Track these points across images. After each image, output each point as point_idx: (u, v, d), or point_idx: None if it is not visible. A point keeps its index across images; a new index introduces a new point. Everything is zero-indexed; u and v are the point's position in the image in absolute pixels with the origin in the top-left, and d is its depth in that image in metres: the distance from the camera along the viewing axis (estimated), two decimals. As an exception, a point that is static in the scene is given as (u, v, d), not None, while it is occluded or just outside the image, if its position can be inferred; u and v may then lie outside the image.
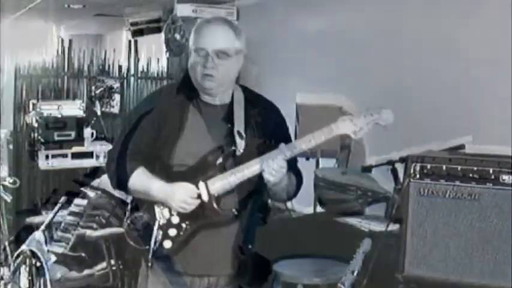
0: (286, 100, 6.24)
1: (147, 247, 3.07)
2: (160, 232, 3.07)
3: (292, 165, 3.13)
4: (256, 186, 3.11)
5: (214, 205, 3.04)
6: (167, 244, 3.07)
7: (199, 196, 3.03)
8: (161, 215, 3.10)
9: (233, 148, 3.09)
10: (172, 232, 3.08)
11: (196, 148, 3.11)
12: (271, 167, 2.93)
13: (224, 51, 3.07)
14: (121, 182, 3.17)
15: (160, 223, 3.09)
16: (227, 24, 3.12)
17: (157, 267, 3.19)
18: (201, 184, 3.04)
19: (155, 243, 3.06)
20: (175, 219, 3.07)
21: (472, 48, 4.70)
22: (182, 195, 3.02)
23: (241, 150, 3.08)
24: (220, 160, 3.08)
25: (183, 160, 3.12)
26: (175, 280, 3.21)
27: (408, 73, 5.26)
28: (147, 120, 3.18)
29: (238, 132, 3.12)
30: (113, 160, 3.20)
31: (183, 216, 3.07)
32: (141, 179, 3.11)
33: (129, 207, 3.27)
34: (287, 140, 3.18)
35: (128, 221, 3.12)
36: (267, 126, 3.18)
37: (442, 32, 4.92)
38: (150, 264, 3.09)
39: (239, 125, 3.15)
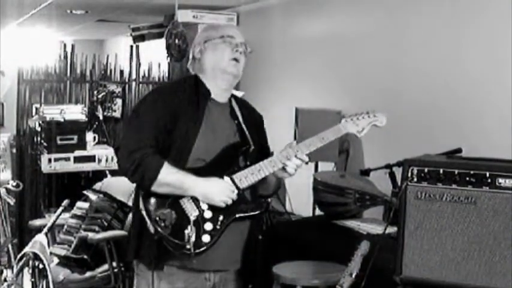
0: (285, 104, 6.26)
1: (185, 243, 3.02)
2: (195, 228, 3.02)
3: None
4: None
5: (247, 198, 3.18)
6: (206, 238, 3.05)
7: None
8: (192, 210, 3.08)
9: (249, 145, 3.24)
10: (208, 226, 3.07)
11: (212, 145, 3.18)
12: (295, 163, 3.13)
13: (246, 45, 3.30)
14: (148, 176, 3.06)
15: (194, 218, 3.05)
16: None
17: (169, 270, 3.18)
18: (227, 179, 3.12)
19: (193, 238, 3.00)
20: (208, 214, 3.08)
21: (472, 53, 4.70)
22: (227, 190, 3.09)
23: (253, 146, 3.24)
24: (241, 156, 3.22)
25: (200, 155, 3.16)
26: (190, 279, 3.21)
27: (407, 78, 5.26)
28: (164, 112, 3.17)
29: (246, 129, 3.28)
30: (134, 152, 3.09)
31: (216, 210, 3.09)
32: (173, 172, 3.07)
33: (141, 206, 3.14)
34: (266, 138, 3.46)
35: (157, 218, 3.04)
36: (254, 125, 3.37)
37: (442, 37, 4.92)
38: (194, 261, 3.04)
39: (242, 122, 3.31)
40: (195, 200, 3.08)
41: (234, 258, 3.27)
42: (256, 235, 3.33)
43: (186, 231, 3.00)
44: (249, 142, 3.23)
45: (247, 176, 3.13)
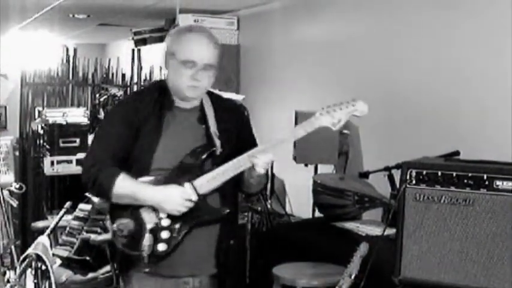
0: (285, 107, 6.27)
1: (141, 252, 3.06)
2: (151, 236, 3.04)
3: None
4: (234, 183, 3.15)
5: (205, 204, 3.08)
6: (162, 247, 3.06)
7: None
8: (149, 219, 3.08)
9: (213, 148, 3.12)
10: (165, 234, 3.07)
11: (174, 152, 3.13)
12: (264, 160, 2.99)
13: (212, 64, 3.14)
14: (103, 189, 3.10)
15: (151, 227, 3.07)
16: (210, 35, 3.18)
17: (146, 275, 3.18)
18: (187, 185, 3.05)
19: (149, 247, 3.04)
20: (165, 222, 3.07)
21: (471, 56, 4.71)
22: (178, 198, 3.02)
23: (220, 150, 3.12)
24: (201, 161, 3.11)
25: (161, 164, 3.13)
26: (165, 284, 3.21)
27: (406, 81, 5.26)
28: (125, 126, 3.18)
29: (215, 133, 3.15)
30: (92, 167, 3.14)
31: (173, 218, 3.07)
32: (128, 184, 3.08)
33: (108, 216, 3.21)
34: (252, 137, 3.32)
35: (115, 229, 3.09)
36: (234, 126, 3.26)
37: (442, 40, 4.93)
38: (147, 270, 3.07)
39: (213, 125, 3.19)
40: (155, 209, 3.08)
41: (205, 263, 3.20)
42: (228, 240, 3.23)
43: (143, 241, 3.03)
44: (215, 145, 3.14)
45: (209, 181, 3.05)
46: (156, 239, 3.05)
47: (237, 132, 3.25)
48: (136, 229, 3.08)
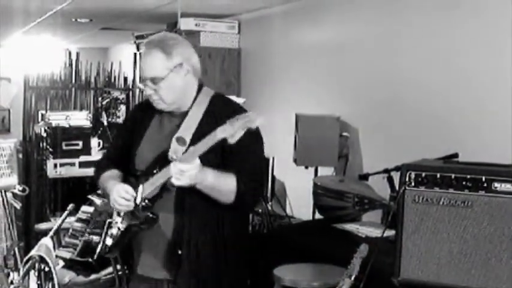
0: (285, 110, 6.26)
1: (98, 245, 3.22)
2: (106, 232, 3.22)
3: (236, 171, 3.08)
4: (196, 189, 3.03)
5: (139, 209, 3.09)
6: (108, 241, 3.18)
7: (135, 198, 3.09)
8: (114, 214, 3.20)
9: (166, 154, 3.07)
10: (114, 231, 3.17)
11: (149, 155, 3.18)
12: (175, 172, 2.91)
13: (156, 76, 3.10)
14: (97, 185, 3.45)
15: (110, 223, 3.21)
16: (155, 47, 3.12)
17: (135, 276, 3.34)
18: (140, 187, 3.09)
19: (102, 242, 3.22)
20: (118, 219, 3.17)
21: (469, 59, 4.71)
22: (114, 194, 3.11)
23: (174, 156, 3.03)
24: (157, 167, 3.10)
25: (140, 166, 3.21)
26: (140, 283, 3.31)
27: (405, 85, 5.26)
28: (121, 130, 3.48)
29: (178, 138, 3.10)
30: (96, 167, 3.50)
31: (123, 217, 3.15)
32: (104, 181, 3.30)
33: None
34: (242, 146, 2.99)
35: (98, 218, 3.33)
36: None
37: (440, 44, 4.93)
38: (94, 262, 3.27)
39: (185, 131, 3.12)
40: None
41: (161, 267, 3.18)
42: (176, 248, 3.12)
43: (103, 234, 3.24)
44: (167, 151, 3.07)
45: (149, 186, 3.07)
46: (107, 234, 3.20)
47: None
48: (103, 222, 3.33)
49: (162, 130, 3.25)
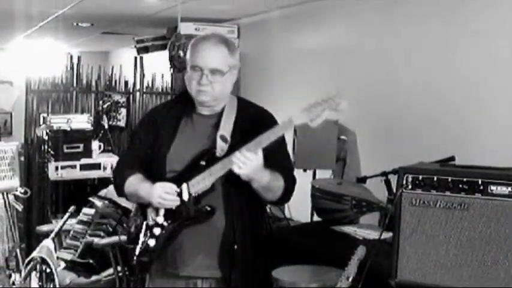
0: (284, 113, 6.26)
1: (136, 246, 3.18)
2: (148, 232, 3.16)
3: (280, 168, 3.15)
4: (241, 186, 3.06)
5: (190, 203, 3.10)
6: (151, 242, 3.14)
7: (179, 195, 3.09)
8: (151, 216, 3.17)
9: (214, 150, 3.12)
10: (157, 231, 3.14)
11: (185, 155, 3.18)
12: (239, 159, 2.93)
13: (218, 69, 3.15)
14: (119, 189, 3.31)
15: (149, 224, 3.17)
16: (222, 43, 3.18)
17: (154, 269, 3.30)
18: (184, 185, 3.10)
19: (142, 242, 3.15)
20: (160, 219, 3.14)
21: (465, 65, 4.72)
22: (158, 191, 3.08)
23: (222, 153, 3.10)
24: (203, 163, 3.12)
25: (173, 167, 3.20)
26: (170, 283, 3.27)
27: (403, 89, 5.27)
28: (145, 131, 3.35)
29: (221, 136, 3.15)
30: (116, 170, 3.41)
31: (166, 216, 3.13)
32: (133, 183, 3.22)
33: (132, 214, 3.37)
34: (279, 143, 3.16)
35: (124, 225, 3.24)
36: (258, 132, 3.09)
37: (438, 48, 4.94)
38: (134, 261, 3.18)
39: (225, 130, 3.18)
40: (156, 208, 3.17)
41: (208, 265, 3.19)
42: (229, 245, 3.16)
43: (140, 236, 3.17)
44: (215, 148, 3.13)
45: (199, 182, 3.08)
46: (150, 235, 3.15)
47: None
48: (140, 225, 3.21)
49: (195, 130, 3.27)
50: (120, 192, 3.32)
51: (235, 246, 3.15)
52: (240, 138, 3.12)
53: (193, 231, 3.14)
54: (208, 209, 3.10)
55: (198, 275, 3.21)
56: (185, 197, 3.09)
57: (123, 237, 5.09)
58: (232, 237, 3.15)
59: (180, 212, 3.10)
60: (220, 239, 3.17)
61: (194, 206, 3.10)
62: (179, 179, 3.13)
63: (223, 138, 3.14)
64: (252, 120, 3.25)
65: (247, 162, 2.92)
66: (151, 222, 3.16)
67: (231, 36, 7.70)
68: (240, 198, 3.17)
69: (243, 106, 3.34)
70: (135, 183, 3.21)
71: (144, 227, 3.18)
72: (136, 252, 3.16)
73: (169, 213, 3.12)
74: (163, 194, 3.08)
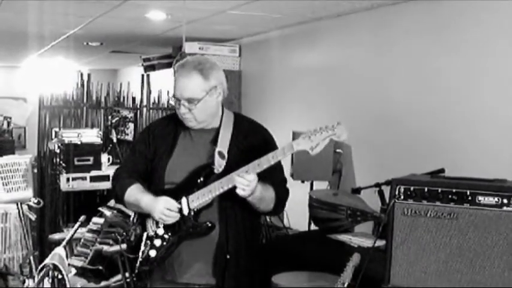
0: (283, 127, 6.28)
1: (137, 256, 3.17)
2: (149, 243, 3.15)
3: (276, 180, 3.18)
4: (236, 199, 3.05)
5: (191, 218, 3.10)
6: (152, 253, 3.14)
7: (180, 210, 3.08)
8: (151, 227, 3.18)
9: (212, 167, 3.12)
10: (157, 242, 3.15)
11: (183, 168, 3.18)
12: (242, 183, 2.94)
13: (192, 98, 3.12)
14: (118, 196, 3.29)
15: (149, 235, 3.17)
16: (195, 69, 3.13)
17: (154, 277, 3.31)
18: (183, 199, 3.10)
19: (143, 252, 3.15)
20: (160, 231, 3.15)
21: (453, 82, 4.73)
22: (161, 207, 3.07)
23: (220, 169, 3.10)
24: (201, 178, 3.12)
25: (172, 179, 3.20)
26: None
27: (395, 104, 5.28)
28: (144, 144, 3.33)
29: (219, 153, 3.15)
30: (113, 179, 3.36)
31: (167, 228, 3.13)
32: (134, 193, 3.20)
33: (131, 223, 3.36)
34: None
35: (124, 234, 3.22)
36: (253, 147, 3.16)
37: (428, 67, 4.95)
38: (136, 271, 3.18)
39: (222, 146, 3.17)
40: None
41: (204, 274, 3.19)
42: (222, 255, 3.15)
43: (141, 246, 3.16)
44: (213, 164, 3.12)
45: (199, 197, 3.08)
46: (150, 246, 3.15)
47: (258, 152, 3.05)
48: (140, 235, 3.21)
49: (194, 145, 3.25)
50: (119, 200, 3.32)
51: (228, 256, 3.15)
52: (237, 154, 3.15)
53: (190, 242, 3.15)
54: (209, 225, 3.10)
55: (195, 282, 3.21)
56: (185, 211, 3.09)
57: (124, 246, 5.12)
58: (226, 247, 3.15)
59: (180, 225, 3.11)
60: (214, 249, 3.17)
61: (194, 222, 3.10)
62: (178, 192, 3.13)
63: (221, 155, 3.14)
64: (248, 135, 3.26)
65: (251, 185, 2.95)
66: (151, 233, 3.17)
67: (233, 55, 7.73)
68: (234, 210, 3.17)
69: (239, 121, 3.32)
70: (136, 193, 3.20)
71: (144, 237, 3.19)
72: (138, 264, 3.17)
73: (169, 226, 3.13)
74: (166, 211, 3.07)
